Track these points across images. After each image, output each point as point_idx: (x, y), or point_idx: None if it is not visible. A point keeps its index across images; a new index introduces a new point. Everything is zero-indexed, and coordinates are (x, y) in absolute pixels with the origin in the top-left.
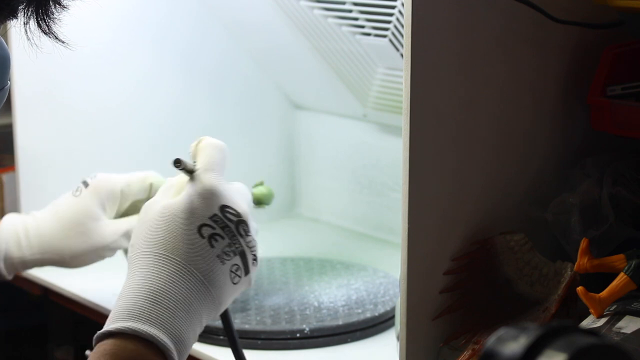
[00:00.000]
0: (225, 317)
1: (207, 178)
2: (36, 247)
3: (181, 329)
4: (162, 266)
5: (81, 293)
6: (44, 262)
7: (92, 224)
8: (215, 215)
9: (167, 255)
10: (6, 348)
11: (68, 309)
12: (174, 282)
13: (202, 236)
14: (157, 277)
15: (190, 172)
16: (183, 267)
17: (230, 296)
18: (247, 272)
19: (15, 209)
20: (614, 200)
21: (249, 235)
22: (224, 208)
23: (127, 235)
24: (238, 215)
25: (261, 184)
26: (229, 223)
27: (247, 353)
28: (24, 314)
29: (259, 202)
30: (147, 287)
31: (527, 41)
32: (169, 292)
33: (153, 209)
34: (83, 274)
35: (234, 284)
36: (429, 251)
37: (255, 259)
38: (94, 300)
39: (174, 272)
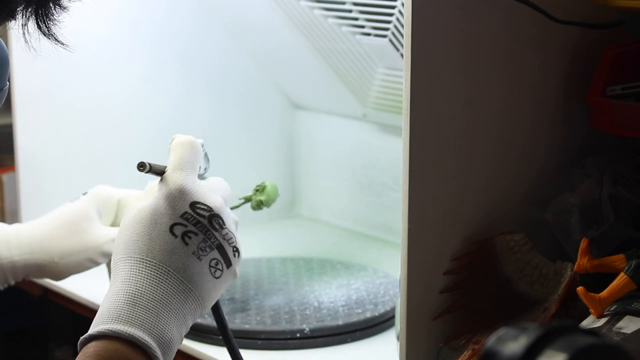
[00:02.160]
0: (217, 313)
1: (175, 177)
2: (26, 246)
3: (163, 328)
4: (139, 269)
5: (81, 293)
6: (33, 265)
7: (84, 224)
8: (185, 213)
9: (143, 259)
10: (6, 348)
11: (68, 309)
12: (152, 283)
13: (174, 235)
14: (135, 280)
15: (161, 173)
16: (160, 268)
17: (214, 290)
18: (228, 264)
19: (15, 209)
20: (614, 200)
21: (224, 228)
22: (194, 204)
23: None
24: (210, 209)
25: (263, 187)
26: (200, 219)
27: (247, 353)
28: (24, 314)
29: (266, 202)
30: (126, 290)
31: (527, 41)
32: (148, 293)
33: (129, 214)
34: (83, 273)
35: (216, 277)
36: (429, 251)
37: (236, 251)
38: (94, 300)
39: (151, 274)
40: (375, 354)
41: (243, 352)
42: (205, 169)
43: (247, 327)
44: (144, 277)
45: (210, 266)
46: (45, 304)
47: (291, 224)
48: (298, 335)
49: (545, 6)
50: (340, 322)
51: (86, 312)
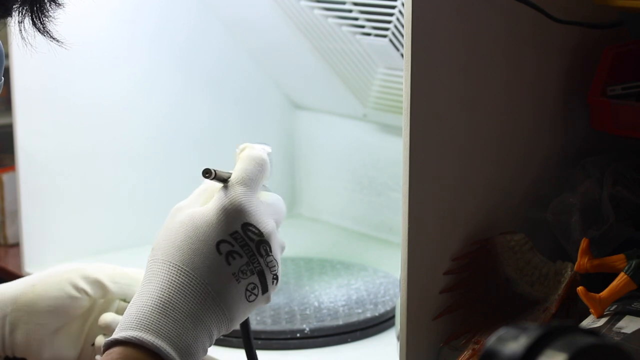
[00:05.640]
0: (243, 323)
1: (235, 192)
2: (8, 286)
3: (189, 342)
4: (176, 278)
5: None
6: (9, 298)
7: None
8: (236, 232)
9: (182, 268)
10: None
11: None
12: (186, 295)
13: (219, 252)
14: (169, 288)
15: (224, 180)
16: (197, 281)
17: (245, 313)
18: (265, 290)
19: (15, 209)
20: (614, 200)
21: (270, 255)
22: (246, 226)
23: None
24: (260, 234)
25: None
26: (249, 242)
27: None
28: None
29: None
30: (158, 298)
31: (527, 41)
32: (180, 305)
33: (180, 215)
34: None
35: (250, 301)
36: (429, 251)
37: (275, 278)
38: None
39: (187, 285)
40: (375, 354)
41: (243, 352)
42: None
43: None
44: (180, 287)
45: (246, 290)
46: None
47: (291, 224)
48: (298, 335)
49: (545, 6)
50: (340, 322)
51: None
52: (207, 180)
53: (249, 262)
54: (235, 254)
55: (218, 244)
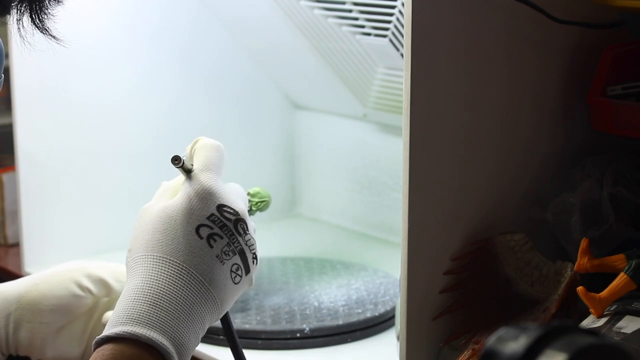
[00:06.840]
0: (224, 317)
1: (204, 178)
2: (11, 283)
3: (182, 332)
4: (162, 269)
5: None
6: (12, 296)
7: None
8: (212, 215)
9: (166, 258)
10: None
11: None
12: (174, 284)
13: (200, 237)
14: (157, 280)
15: (187, 171)
16: (183, 269)
17: (232, 296)
18: (247, 271)
19: (15, 209)
20: (614, 200)
21: (248, 234)
22: (221, 207)
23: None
24: (236, 213)
25: (256, 192)
26: (226, 222)
27: (247, 353)
28: None
29: (267, 204)
30: (147, 290)
31: (527, 41)
32: (169, 294)
33: (150, 212)
34: None
35: (235, 283)
36: (429, 251)
37: (255, 258)
38: None
39: (174, 274)
40: (375, 354)
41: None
42: None
43: (247, 327)
44: (167, 277)
45: (231, 271)
46: None
47: (291, 224)
48: (298, 335)
49: (545, 6)
50: (340, 322)
51: None
52: (165, 182)
53: (229, 243)
54: (216, 235)
55: (197, 228)
